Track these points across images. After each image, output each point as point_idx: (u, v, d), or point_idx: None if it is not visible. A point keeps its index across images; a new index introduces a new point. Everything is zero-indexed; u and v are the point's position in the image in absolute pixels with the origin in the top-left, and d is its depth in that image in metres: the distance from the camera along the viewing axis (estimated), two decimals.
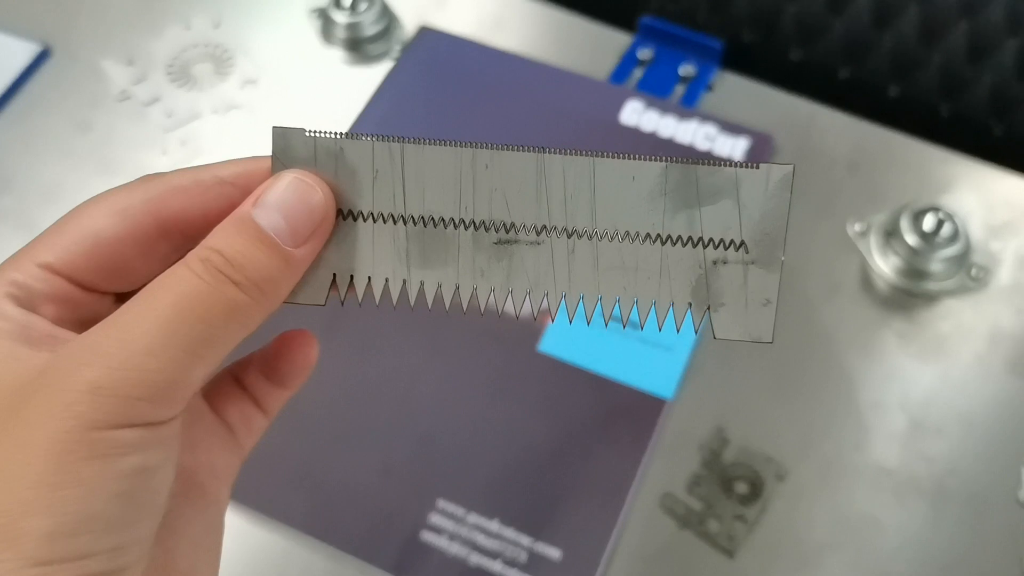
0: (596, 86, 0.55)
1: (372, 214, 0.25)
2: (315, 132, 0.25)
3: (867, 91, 0.58)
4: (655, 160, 0.25)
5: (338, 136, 0.25)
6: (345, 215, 0.25)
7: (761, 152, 0.53)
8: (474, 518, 0.42)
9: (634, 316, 0.25)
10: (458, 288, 0.25)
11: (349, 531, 0.42)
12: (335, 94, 0.56)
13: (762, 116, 0.55)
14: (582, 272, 0.25)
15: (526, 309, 0.25)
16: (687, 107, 0.55)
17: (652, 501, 0.43)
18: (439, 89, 0.55)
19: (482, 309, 0.25)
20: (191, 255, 0.23)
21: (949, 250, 0.48)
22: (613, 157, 0.25)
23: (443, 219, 0.25)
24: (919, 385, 0.47)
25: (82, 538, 0.21)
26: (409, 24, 0.58)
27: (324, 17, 0.57)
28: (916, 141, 0.55)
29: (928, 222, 0.48)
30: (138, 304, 0.22)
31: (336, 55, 0.57)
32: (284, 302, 0.25)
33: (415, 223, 0.25)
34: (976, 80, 0.56)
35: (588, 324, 0.24)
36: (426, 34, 0.57)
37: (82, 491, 0.21)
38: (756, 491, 0.43)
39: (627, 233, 0.25)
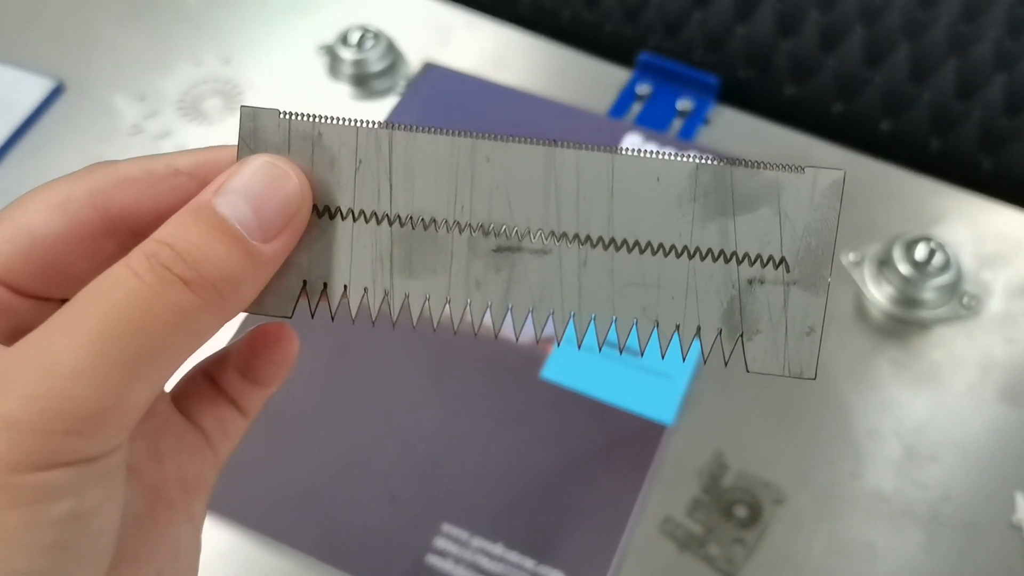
0: (596, 120, 0.57)
1: (352, 211, 0.22)
2: (289, 114, 0.22)
3: (860, 126, 0.59)
4: (684, 159, 0.21)
5: (316, 119, 0.22)
6: (320, 212, 0.21)
7: None
8: (479, 542, 0.43)
9: (654, 342, 0.21)
10: (449, 302, 0.21)
11: (355, 554, 0.42)
12: None
13: (758, 149, 0.56)
14: (595, 288, 0.21)
15: (527, 330, 0.21)
16: (685, 140, 0.56)
17: (653, 525, 0.44)
18: (443, 123, 0.56)
19: (476, 328, 0.22)
20: (134, 251, 0.19)
21: (941, 279, 0.50)
22: (635, 154, 0.21)
23: (434, 220, 0.21)
24: (913, 412, 0.48)
25: None
26: (414, 60, 0.60)
27: (331, 54, 0.59)
28: (908, 173, 0.56)
29: (920, 252, 0.50)
30: (64, 315, 0.18)
31: (343, 90, 0.59)
32: (245, 311, 0.21)
33: (402, 223, 0.21)
34: (965, 116, 0.57)
35: (600, 350, 0.22)
36: (430, 70, 0.59)
37: (3, 548, 0.17)
38: (755, 515, 0.44)
39: (649, 244, 0.21)
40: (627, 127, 0.56)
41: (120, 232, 0.21)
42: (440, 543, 0.43)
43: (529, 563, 0.42)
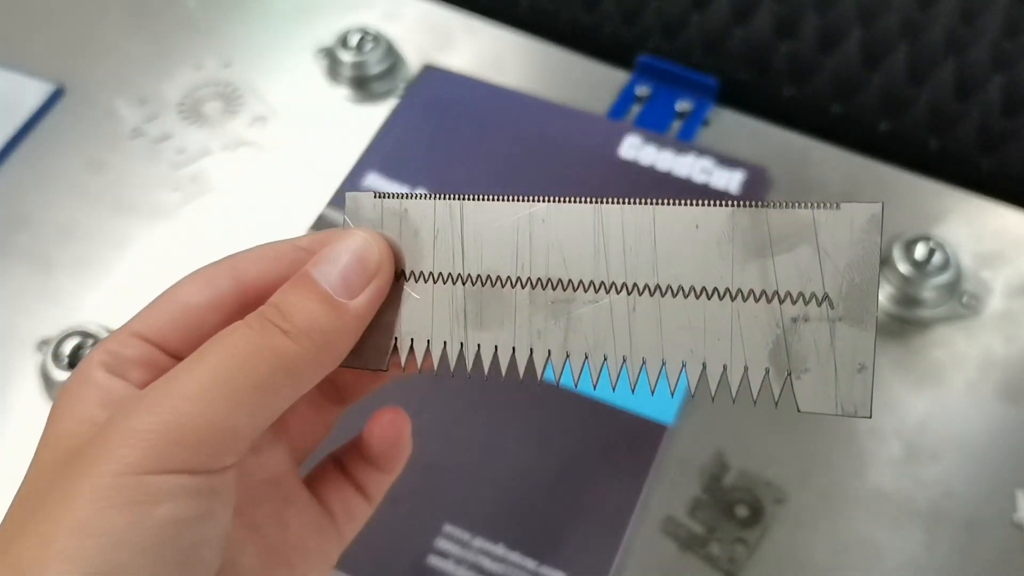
0: (596, 121, 0.57)
1: (433, 274, 0.24)
2: (383, 195, 0.25)
3: (858, 126, 0.59)
4: (721, 205, 0.23)
5: (404, 197, 0.25)
6: (407, 276, 0.25)
7: (757, 185, 0.54)
8: (480, 542, 0.43)
9: (704, 383, 0.22)
10: (514, 351, 0.24)
11: (356, 555, 0.42)
12: (341, 131, 0.57)
13: (757, 150, 0.56)
14: (644, 333, 0.23)
15: (586, 376, 0.23)
16: (684, 141, 0.56)
17: (654, 524, 0.44)
18: (443, 125, 0.57)
19: (539, 376, 0.24)
20: (252, 312, 0.24)
21: (940, 278, 0.50)
22: (675, 204, 0.23)
23: (500, 278, 0.24)
24: (914, 411, 0.48)
25: None
26: (413, 63, 0.60)
27: (331, 56, 0.59)
28: (907, 174, 0.56)
29: (919, 251, 0.50)
30: (192, 357, 0.23)
31: (342, 93, 0.59)
32: (346, 366, 0.25)
33: (473, 283, 0.24)
34: (963, 116, 0.58)
35: (652, 393, 0.23)
36: (430, 72, 0.59)
37: (109, 541, 0.20)
38: (756, 515, 0.44)
39: (692, 288, 0.22)
40: (627, 128, 0.56)
41: (251, 299, 0.26)
42: (441, 544, 0.43)
43: (531, 563, 0.42)
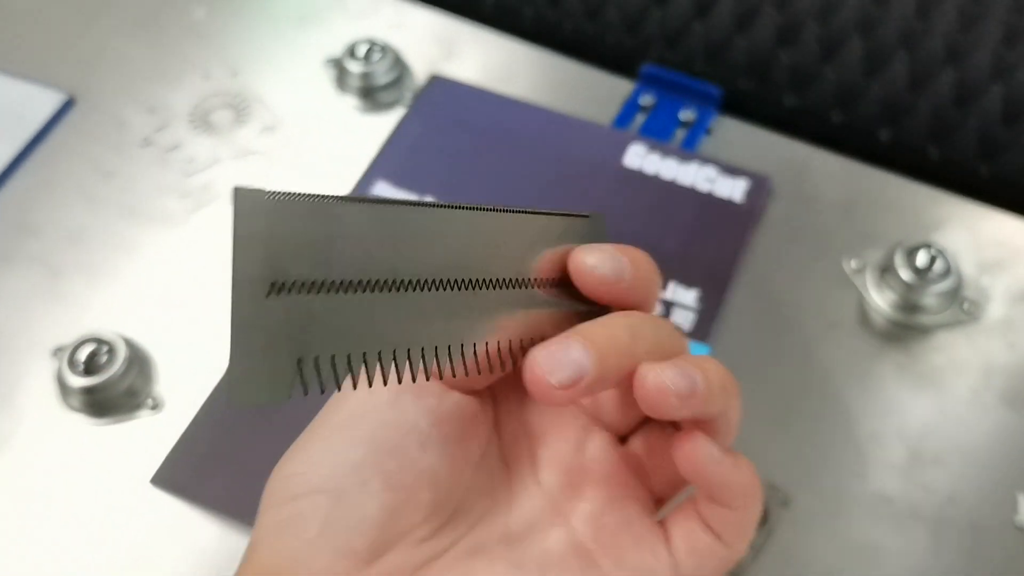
0: (600, 131, 0.58)
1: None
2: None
3: (859, 135, 0.60)
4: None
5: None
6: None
7: (759, 192, 0.55)
8: None
9: None
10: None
11: None
12: (349, 140, 0.58)
13: (760, 159, 0.57)
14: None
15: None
16: (688, 151, 0.57)
17: None
18: (449, 135, 0.57)
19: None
20: None
21: (942, 285, 0.50)
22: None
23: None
24: (916, 416, 0.49)
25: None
26: (420, 73, 0.61)
27: (339, 67, 0.60)
28: (908, 182, 0.57)
29: (921, 258, 0.51)
30: None
31: (350, 103, 0.60)
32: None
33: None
34: (963, 124, 0.58)
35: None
36: (436, 82, 0.60)
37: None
38: (762, 518, 0.45)
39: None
40: (631, 137, 0.57)
41: None
42: None
43: None
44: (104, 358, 0.46)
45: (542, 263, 0.26)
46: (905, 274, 0.50)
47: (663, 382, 0.24)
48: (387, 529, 0.24)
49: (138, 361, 0.47)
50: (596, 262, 0.26)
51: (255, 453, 0.46)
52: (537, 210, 0.27)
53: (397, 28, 0.63)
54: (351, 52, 0.59)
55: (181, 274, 0.52)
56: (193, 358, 0.48)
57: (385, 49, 0.60)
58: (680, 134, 0.59)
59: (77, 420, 0.46)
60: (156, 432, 0.46)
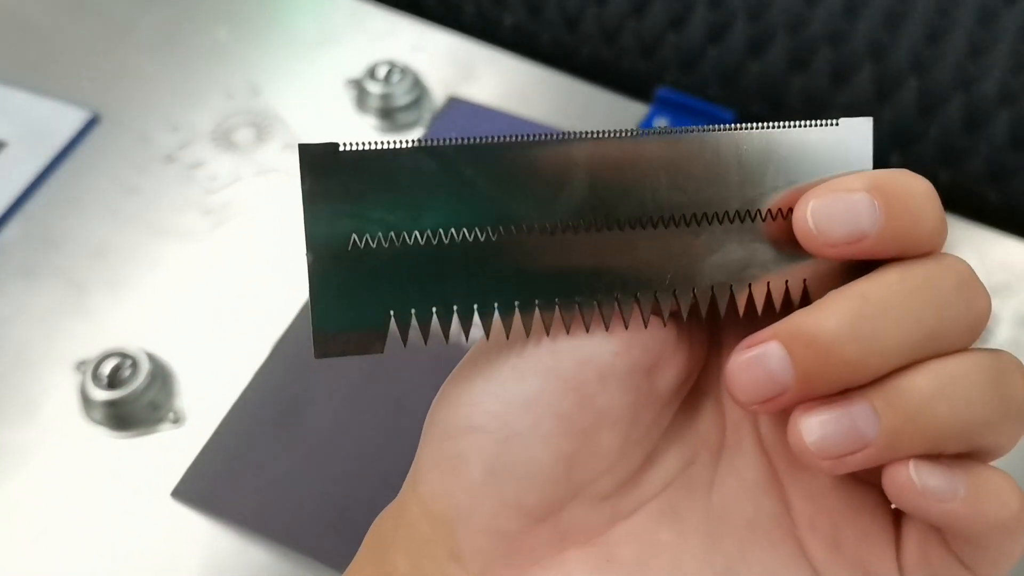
0: None
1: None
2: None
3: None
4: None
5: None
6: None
7: None
8: None
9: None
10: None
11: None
12: None
13: None
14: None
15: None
16: None
17: None
18: None
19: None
20: None
21: None
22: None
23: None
24: None
25: None
26: (438, 94, 0.62)
27: (359, 87, 0.61)
28: None
29: None
30: None
31: (369, 123, 0.61)
32: None
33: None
34: (972, 150, 0.59)
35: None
36: (454, 104, 0.61)
37: None
38: None
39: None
40: None
41: None
42: None
43: None
44: (127, 372, 0.47)
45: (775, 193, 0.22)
46: None
47: (916, 485, 0.20)
48: (562, 482, 0.21)
49: (160, 375, 0.48)
50: (819, 220, 0.20)
51: (276, 467, 0.46)
52: (749, 127, 0.22)
53: (416, 50, 0.64)
54: (371, 73, 0.61)
55: (203, 289, 0.53)
56: (214, 372, 0.49)
57: (404, 71, 0.61)
58: None
59: (99, 433, 0.47)
60: (177, 445, 0.47)
